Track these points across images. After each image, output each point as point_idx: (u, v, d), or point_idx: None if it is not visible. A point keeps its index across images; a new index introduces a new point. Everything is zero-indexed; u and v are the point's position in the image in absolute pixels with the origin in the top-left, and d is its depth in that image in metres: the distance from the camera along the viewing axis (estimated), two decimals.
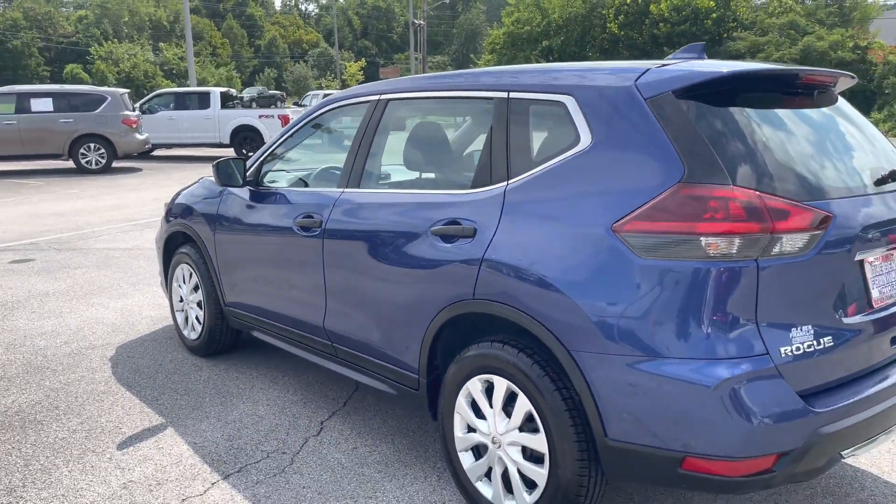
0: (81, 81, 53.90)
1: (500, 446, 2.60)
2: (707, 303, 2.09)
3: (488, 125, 2.79)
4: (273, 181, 3.92)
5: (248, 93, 23.95)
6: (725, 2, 34.61)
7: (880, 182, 2.48)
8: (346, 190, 3.31)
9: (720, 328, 2.09)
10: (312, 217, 3.38)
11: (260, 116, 18.45)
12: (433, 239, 2.77)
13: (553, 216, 2.43)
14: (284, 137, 3.89)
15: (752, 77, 2.43)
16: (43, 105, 15.21)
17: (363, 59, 72.28)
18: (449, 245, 2.71)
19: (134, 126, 15.90)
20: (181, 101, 18.97)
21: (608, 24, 36.70)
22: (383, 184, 3.36)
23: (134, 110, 16.44)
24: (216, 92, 18.94)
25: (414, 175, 3.41)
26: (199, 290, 4.38)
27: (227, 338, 4.38)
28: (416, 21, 39.44)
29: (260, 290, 3.88)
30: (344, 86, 57.75)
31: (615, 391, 2.23)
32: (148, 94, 20.17)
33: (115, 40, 63.18)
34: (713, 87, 2.30)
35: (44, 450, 3.27)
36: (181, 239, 4.58)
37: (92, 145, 15.53)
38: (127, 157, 16.96)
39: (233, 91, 20.33)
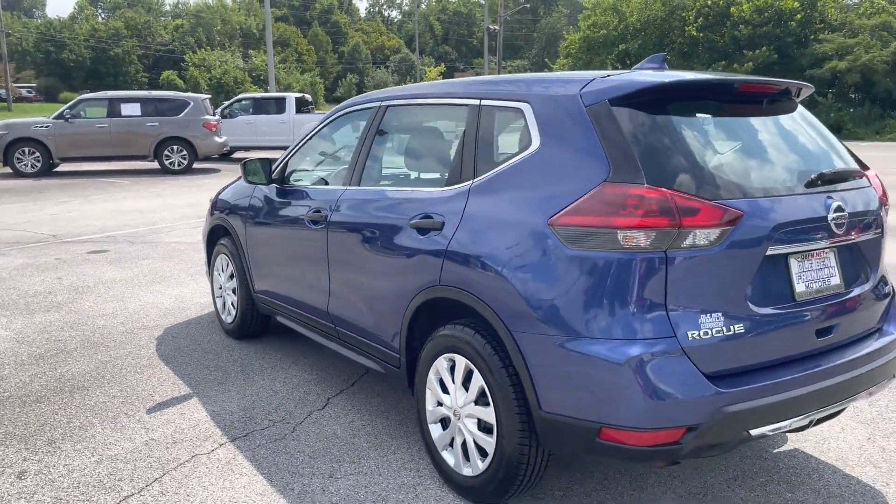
0: (176, 87, 56.90)
1: (459, 418, 2.89)
2: (621, 289, 2.33)
3: (463, 129, 3.09)
4: (298, 179, 4.32)
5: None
6: (811, 2, 33.40)
7: (811, 184, 2.64)
8: (348, 188, 3.67)
9: (632, 312, 2.33)
10: (320, 212, 3.75)
11: None
12: (411, 231, 3.09)
13: (504, 211, 2.70)
14: (306, 139, 4.29)
15: (679, 87, 2.64)
16: (131, 109, 16.35)
17: (442, 65, 73.27)
18: (423, 237, 3.02)
19: (213, 130, 16.86)
20: (259, 106, 19.95)
21: (687, 27, 36.03)
22: (379, 182, 3.69)
23: (214, 115, 17.44)
24: (291, 97, 19.83)
25: (404, 174, 3.73)
26: (234, 278, 4.84)
27: (257, 322, 4.82)
28: (491, 26, 39.78)
29: (281, 278, 4.29)
30: None
31: (546, 368, 2.49)
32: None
33: (208, 48, 66.32)
34: (644, 95, 2.52)
35: (85, 411, 3.77)
36: (221, 232, 5.05)
37: (175, 147, 16.57)
38: (207, 158, 17.99)
39: (308, 97, 21.21)
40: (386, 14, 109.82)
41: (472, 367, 2.78)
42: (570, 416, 2.44)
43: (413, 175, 3.60)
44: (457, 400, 2.89)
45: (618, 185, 2.37)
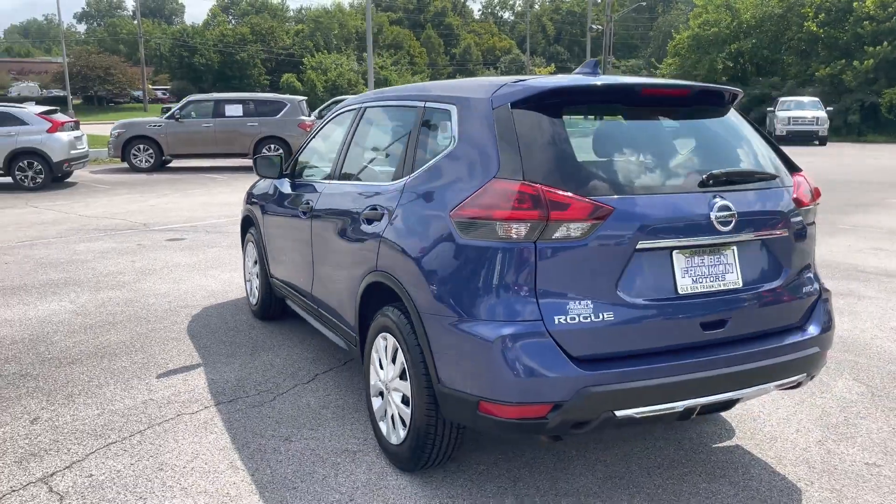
0: (294, 89, 59.67)
1: (389, 392, 3.18)
2: (497, 276, 2.55)
3: (410, 129, 3.37)
4: (303, 174, 4.73)
5: None
6: None
7: (703, 184, 2.74)
8: (329, 182, 4.04)
9: (506, 296, 2.55)
10: (308, 203, 4.14)
11: None
12: (362, 221, 3.41)
13: (423, 204, 2.98)
14: (312, 137, 4.70)
15: (577, 91, 2.81)
16: (234, 110, 17.54)
17: (552, 65, 72.82)
18: (369, 226, 3.33)
19: (308, 129, 17.78)
20: None
21: (806, 23, 34.17)
22: (350, 177, 4.02)
23: (310, 116, 18.39)
24: None
25: (368, 169, 4.04)
26: (257, 264, 5.32)
27: (275, 304, 5.27)
28: (594, 26, 39.25)
29: (285, 264, 4.72)
30: None
31: (442, 346, 2.74)
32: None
33: (325, 51, 69.05)
34: (543, 99, 2.73)
35: (106, 373, 4.33)
36: (249, 222, 5.56)
37: (272, 146, 17.61)
38: None
39: None
40: (499, 15, 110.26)
41: (397, 345, 3.06)
42: (459, 390, 2.68)
43: (374, 170, 3.90)
44: (388, 375, 3.18)
45: (502, 181, 2.59)
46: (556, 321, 2.52)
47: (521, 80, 2.88)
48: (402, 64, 73.12)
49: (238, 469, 3.19)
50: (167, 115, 17.79)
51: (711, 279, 2.75)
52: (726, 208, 2.73)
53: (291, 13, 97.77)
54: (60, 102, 46.01)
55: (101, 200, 12.51)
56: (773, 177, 2.99)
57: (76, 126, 15.16)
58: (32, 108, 14.69)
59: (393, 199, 3.22)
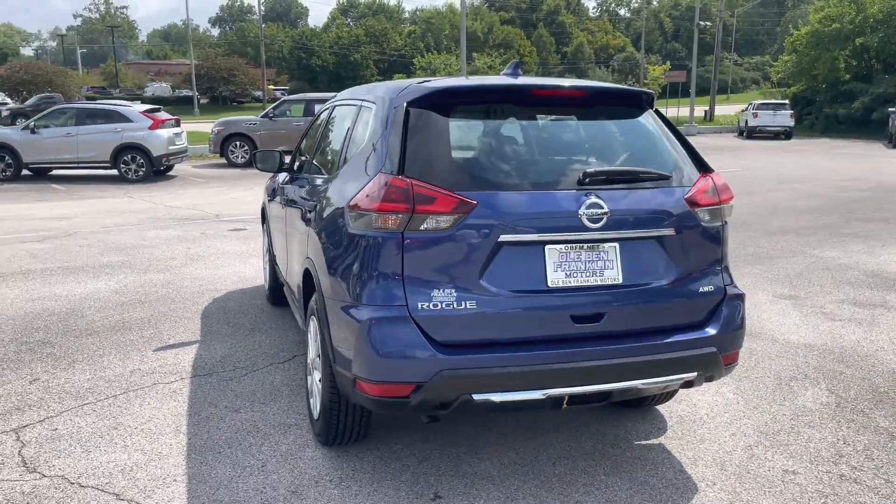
0: None
1: (312, 370, 3.42)
2: (371, 262, 2.74)
3: (349, 126, 3.60)
4: (298, 169, 5.03)
5: None
6: None
7: (580, 182, 2.80)
8: (302, 175, 4.32)
9: (378, 282, 2.72)
10: (286, 195, 4.45)
11: None
12: (306, 212, 3.67)
13: (335, 197, 3.20)
14: (304, 134, 5.00)
15: (469, 91, 2.94)
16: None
17: (668, 63, 70.53)
18: (308, 216, 3.59)
19: None
20: None
21: None
22: (311, 170, 4.26)
23: None
24: None
25: (323, 163, 4.26)
26: (268, 252, 5.71)
27: (279, 289, 5.63)
28: (701, 23, 37.76)
29: (277, 251, 5.06)
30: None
31: (336, 328, 2.95)
32: None
33: (435, 52, 70.21)
34: (436, 99, 2.89)
35: (113, 345, 4.81)
36: (264, 212, 5.95)
37: None
38: None
39: None
40: (615, 12, 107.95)
41: (318, 327, 3.30)
42: (343, 370, 2.88)
43: (325, 164, 4.15)
44: (311, 355, 3.43)
45: (383, 176, 2.77)
46: (420, 307, 2.67)
47: (426, 82, 3.04)
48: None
49: (180, 433, 3.53)
50: (262, 114, 18.82)
51: (588, 274, 2.81)
52: (597, 206, 2.78)
53: (407, 14, 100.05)
54: (189, 102, 49.45)
55: (190, 192, 13.48)
56: (665, 177, 3.00)
57: (176, 123, 16.37)
58: (137, 107, 15.99)
59: (322, 192, 3.45)
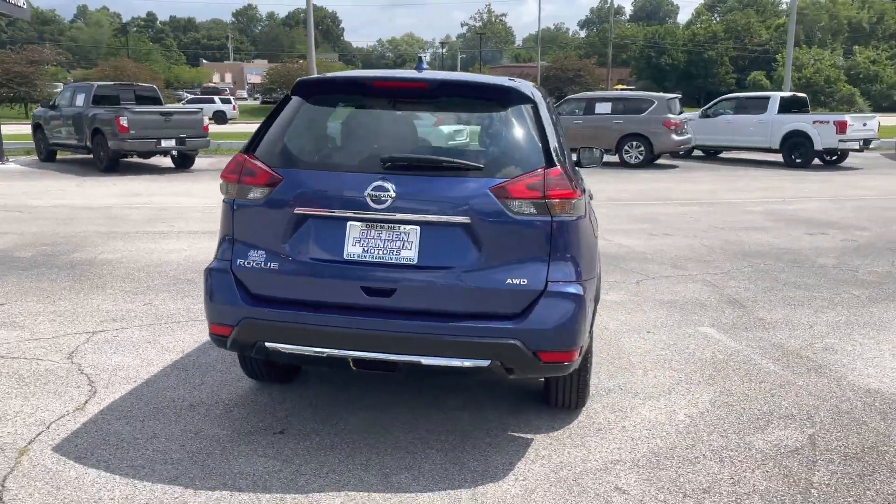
0: (761, 87, 56.70)
1: None
2: (222, 224, 3.38)
3: None
4: None
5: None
6: None
7: (382, 166, 3.11)
8: None
9: (220, 241, 3.37)
10: None
11: (814, 122, 17.76)
12: None
13: None
14: None
15: (323, 82, 3.39)
16: (603, 108, 18.48)
17: None
18: None
19: (673, 128, 17.71)
20: (740, 106, 19.66)
21: None
22: None
23: (681, 113, 18.23)
24: (776, 96, 18.95)
25: None
26: None
27: None
28: None
29: None
30: None
31: None
32: (826, 100, 20.75)
33: (805, 46, 63.45)
34: (303, 89, 3.42)
35: (121, 304, 5.98)
36: None
37: (634, 143, 18.06)
38: (675, 155, 18.99)
39: (800, 95, 19.81)
40: None
41: None
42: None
43: None
44: None
45: (241, 155, 3.39)
46: (239, 263, 3.25)
47: (327, 74, 3.57)
48: None
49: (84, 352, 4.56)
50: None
51: (384, 252, 3.08)
52: (382, 188, 3.03)
53: (784, 6, 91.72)
54: None
55: None
56: (474, 167, 3.07)
57: None
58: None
59: None
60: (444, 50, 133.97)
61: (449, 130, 3.51)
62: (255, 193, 3.25)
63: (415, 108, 3.45)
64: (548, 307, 3.06)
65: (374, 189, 3.08)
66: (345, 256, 3.12)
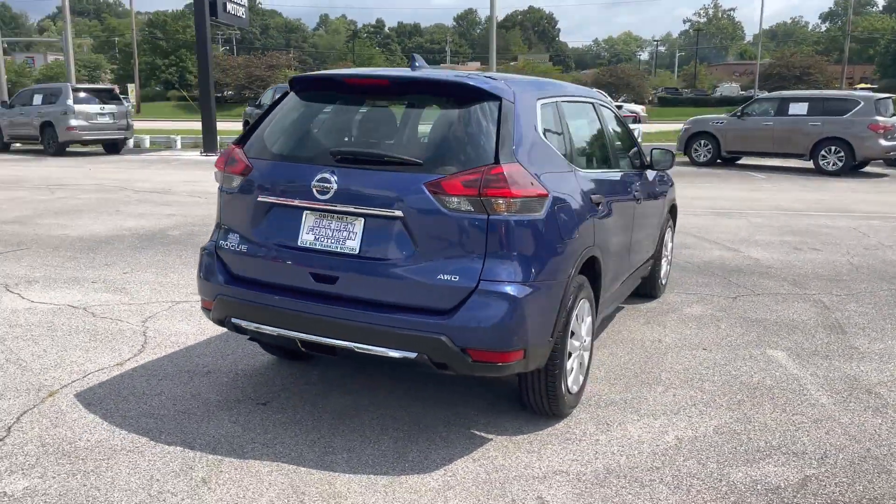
0: None
1: None
2: (218, 209, 3.70)
3: None
4: None
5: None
6: None
7: (332, 158, 3.25)
8: None
9: (215, 225, 3.68)
10: None
11: None
12: None
13: None
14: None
15: (310, 80, 3.57)
16: (798, 109, 16.78)
17: None
18: None
19: (881, 132, 15.67)
20: None
21: None
22: None
23: (892, 116, 16.06)
24: None
25: None
26: None
27: None
28: None
29: None
30: None
31: None
32: None
33: None
34: (297, 86, 3.65)
35: (131, 255, 6.47)
36: None
37: (832, 148, 16.21)
38: (888, 163, 16.80)
39: None
40: None
41: None
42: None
43: None
44: None
45: (231, 144, 3.68)
46: (221, 244, 3.55)
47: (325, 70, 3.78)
48: None
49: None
50: (733, 112, 18.26)
51: (332, 241, 3.21)
52: (325, 180, 3.16)
53: None
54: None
55: None
56: (413, 163, 3.09)
57: None
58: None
59: None
60: (664, 48, 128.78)
61: (414, 126, 3.58)
62: (235, 181, 3.53)
63: (381, 104, 3.54)
64: (479, 305, 3.01)
65: (319, 181, 3.21)
66: (299, 243, 3.30)
